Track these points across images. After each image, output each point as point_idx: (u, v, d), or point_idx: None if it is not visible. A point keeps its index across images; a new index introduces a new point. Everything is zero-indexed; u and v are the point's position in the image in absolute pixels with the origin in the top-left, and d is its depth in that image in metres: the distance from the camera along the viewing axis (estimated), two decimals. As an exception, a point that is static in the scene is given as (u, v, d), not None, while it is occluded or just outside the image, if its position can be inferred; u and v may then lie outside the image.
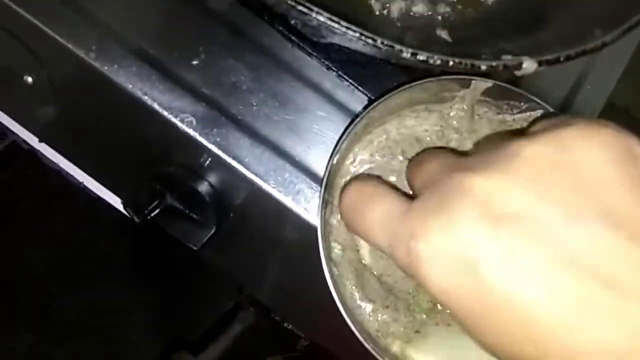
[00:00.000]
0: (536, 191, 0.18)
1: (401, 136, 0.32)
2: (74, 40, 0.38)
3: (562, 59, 0.28)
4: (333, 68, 0.41)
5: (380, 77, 0.40)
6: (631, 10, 0.29)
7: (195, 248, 0.38)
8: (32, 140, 0.49)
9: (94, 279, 0.59)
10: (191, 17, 0.40)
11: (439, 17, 0.36)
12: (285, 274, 0.44)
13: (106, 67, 0.38)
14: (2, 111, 0.47)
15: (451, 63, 0.26)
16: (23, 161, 0.51)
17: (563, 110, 0.45)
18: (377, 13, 0.36)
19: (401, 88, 0.31)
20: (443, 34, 0.35)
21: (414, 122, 0.32)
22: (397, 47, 0.26)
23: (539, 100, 0.31)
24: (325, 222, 0.29)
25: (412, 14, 0.36)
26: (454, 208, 0.19)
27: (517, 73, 0.28)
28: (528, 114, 0.33)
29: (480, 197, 0.19)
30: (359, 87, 0.41)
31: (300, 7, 0.25)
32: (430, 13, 0.36)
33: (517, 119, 0.33)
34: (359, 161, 0.33)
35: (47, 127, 0.46)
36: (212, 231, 0.40)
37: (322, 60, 0.41)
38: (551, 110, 0.31)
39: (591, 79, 0.46)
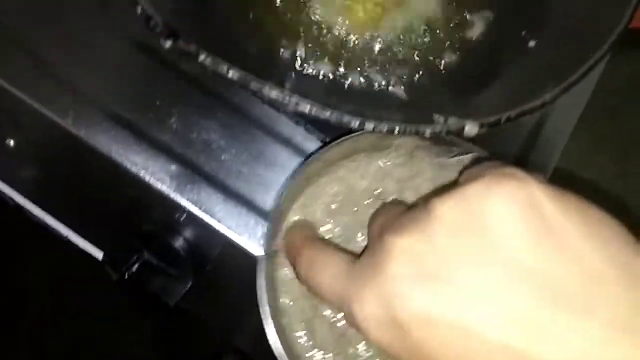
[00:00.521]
0: (448, 251, 0.20)
1: (340, 192, 0.34)
2: (51, 106, 0.40)
3: (502, 120, 0.29)
4: (301, 122, 0.43)
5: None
6: (569, 71, 0.31)
7: (170, 304, 0.39)
8: (17, 196, 0.51)
9: (79, 322, 0.61)
10: (164, 80, 0.42)
11: (395, 79, 0.38)
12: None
13: (83, 132, 0.40)
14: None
15: (397, 129, 0.28)
16: (9, 216, 0.52)
17: (526, 152, 0.47)
18: (331, 77, 0.38)
19: (338, 140, 0.33)
20: (398, 91, 0.37)
21: (351, 174, 0.34)
22: (346, 117, 0.28)
23: (470, 145, 0.33)
24: (272, 276, 0.31)
25: (369, 83, 0.38)
26: (381, 270, 0.21)
27: (462, 135, 0.29)
28: (465, 156, 0.35)
29: (402, 259, 0.20)
30: (328, 140, 0.43)
31: (252, 86, 0.27)
32: (385, 81, 0.38)
33: (457, 162, 0.36)
34: (303, 214, 0.35)
35: (30, 186, 0.48)
36: (189, 285, 0.41)
37: (291, 115, 0.42)
38: (483, 153, 0.34)
39: (551, 122, 0.48)
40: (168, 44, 0.28)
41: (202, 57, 0.27)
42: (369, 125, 0.28)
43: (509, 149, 0.46)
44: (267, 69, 0.36)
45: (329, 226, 0.35)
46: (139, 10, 0.27)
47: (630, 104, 0.54)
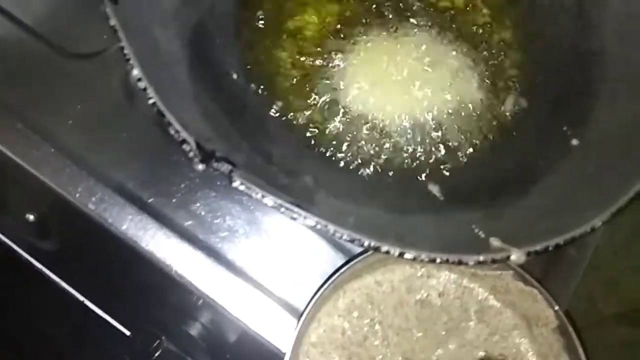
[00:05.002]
0: None
1: (360, 298, 0.35)
2: (73, 191, 0.39)
3: (550, 248, 0.28)
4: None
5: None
6: (619, 192, 0.29)
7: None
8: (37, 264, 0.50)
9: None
10: (189, 163, 0.40)
11: (428, 172, 0.37)
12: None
13: (104, 216, 0.39)
14: (7, 238, 0.48)
15: (438, 260, 0.27)
16: (27, 275, 0.51)
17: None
18: (367, 174, 0.36)
19: (355, 261, 0.35)
20: (434, 189, 0.36)
21: (373, 279, 0.35)
22: (384, 247, 0.26)
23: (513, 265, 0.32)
24: None
25: (401, 172, 0.36)
26: None
27: (507, 263, 0.28)
28: (499, 272, 0.34)
29: None
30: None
31: (294, 215, 0.26)
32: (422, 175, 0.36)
33: (489, 275, 0.34)
34: (327, 326, 0.35)
35: (49, 256, 0.47)
36: (209, 375, 0.40)
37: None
38: (521, 272, 0.34)
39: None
40: (201, 167, 0.26)
41: (236, 182, 0.26)
42: (409, 255, 0.27)
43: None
44: (302, 167, 0.34)
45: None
46: (172, 132, 0.26)
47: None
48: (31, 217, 0.43)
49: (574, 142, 0.36)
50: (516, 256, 0.27)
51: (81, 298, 0.48)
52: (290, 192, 0.28)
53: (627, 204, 0.29)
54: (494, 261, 0.27)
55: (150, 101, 0.27)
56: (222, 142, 0.31)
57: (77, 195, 0.38)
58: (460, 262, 0.27)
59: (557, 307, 0.33)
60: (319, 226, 0.26)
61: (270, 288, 0.39)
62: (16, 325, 0.56)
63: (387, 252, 0.26)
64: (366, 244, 0.26)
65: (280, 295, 0.39)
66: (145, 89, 0.27)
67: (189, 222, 0.40)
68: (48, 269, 0.47)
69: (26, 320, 0.55)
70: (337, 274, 0.35)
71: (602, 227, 0.28)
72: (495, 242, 0.29)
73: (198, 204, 0.40)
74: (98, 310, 0.47)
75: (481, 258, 0.27)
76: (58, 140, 0.40)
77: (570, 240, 0.28)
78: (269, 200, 0.26)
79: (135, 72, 0.27)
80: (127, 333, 0.44)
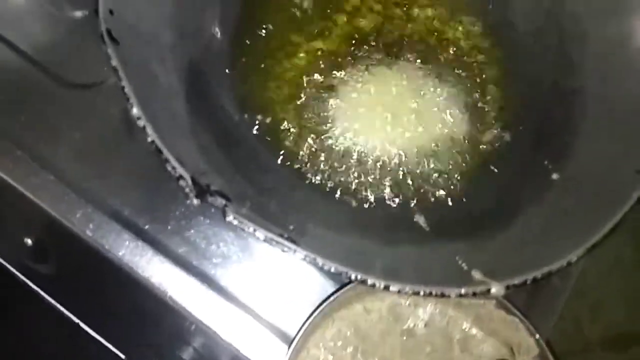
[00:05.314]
0: None
1: (347, 327, 0.36)
2: (71, 217, 0.40)
3: (528, 281, 0.29)
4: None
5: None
6: (596, 228, 0.31)
7: None
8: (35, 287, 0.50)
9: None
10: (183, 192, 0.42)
11: (414, 203, 0.38)
12: None
13: (101, 242, 0.40)
14: (5, 261, 0.49)
15: (422, 293, 0.28)
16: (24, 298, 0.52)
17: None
18: (355, 205, 0.38)
19: (345, 289, 0.36)
20: (420, 220, 0.37)
21: (362, 307, 0.36)
22: (370, 280, 0.28)
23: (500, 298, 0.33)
24: None
25: (388, 202, 0.38)
26: None
27: (487, 296, 0.29)
28: (482, 301, 0.35)
29: None
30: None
31: (285, 248, 0.27)
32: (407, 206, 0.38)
33: (473, 304, 0.36)
34: (314, 358, 0.36)
35: (46, 280, 0.48)
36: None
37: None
38: (503, 301, 0.35)
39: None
40: (196, 202, 0.28)
41: (229, 217, 0.27)
42: (394, 287, 0.28)
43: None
44: (292, 198, 0.36)
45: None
46: (169, 168, 0.28)
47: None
48: (29, 242, 0.44)
49: (555, 176, 0.37)
50: (496, 289, 0.29)
51: (77, 320, 0.48)
52: (281, 222, 0.30)
53: (602, 239, 0.31)
54: (474, 294, 0.29)
55: (149, 139, 0.28)
56: (217, 175, 0.32)
57: (76, 221, 0.40)
58: (442, 295, 0.28)
59: (537, 336, 0.34)
60: (307, 259, 0.28)
61: (262, 314, 0.40)
62: (11, 347, 0.57)
63: (373, 285, 0.28)
64: (353, 277, 0.28)
65: (271, 321, 0.40)
66: (144, 127, 0.28)
67: (184, 249, 0.41)
68: (45, 291, 0.48)
69: (21, 342, 0.56)
70: (327, 302, 0.36)
71: (586, 253, 0.29)
72: (476, 274, 0.30)
73: (192, 231, 0.41)
74: (93, 333, 0.48)
75: (463, 291, 0.28)
76: (57, 167, 0.41)
77: (547, 274, 0.29)
78: (261, 234, 0.27)
79: (135, 110, 0.29)
80: (122, 356, 0.45)
